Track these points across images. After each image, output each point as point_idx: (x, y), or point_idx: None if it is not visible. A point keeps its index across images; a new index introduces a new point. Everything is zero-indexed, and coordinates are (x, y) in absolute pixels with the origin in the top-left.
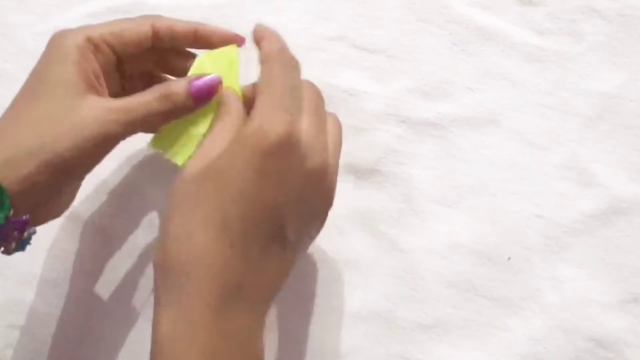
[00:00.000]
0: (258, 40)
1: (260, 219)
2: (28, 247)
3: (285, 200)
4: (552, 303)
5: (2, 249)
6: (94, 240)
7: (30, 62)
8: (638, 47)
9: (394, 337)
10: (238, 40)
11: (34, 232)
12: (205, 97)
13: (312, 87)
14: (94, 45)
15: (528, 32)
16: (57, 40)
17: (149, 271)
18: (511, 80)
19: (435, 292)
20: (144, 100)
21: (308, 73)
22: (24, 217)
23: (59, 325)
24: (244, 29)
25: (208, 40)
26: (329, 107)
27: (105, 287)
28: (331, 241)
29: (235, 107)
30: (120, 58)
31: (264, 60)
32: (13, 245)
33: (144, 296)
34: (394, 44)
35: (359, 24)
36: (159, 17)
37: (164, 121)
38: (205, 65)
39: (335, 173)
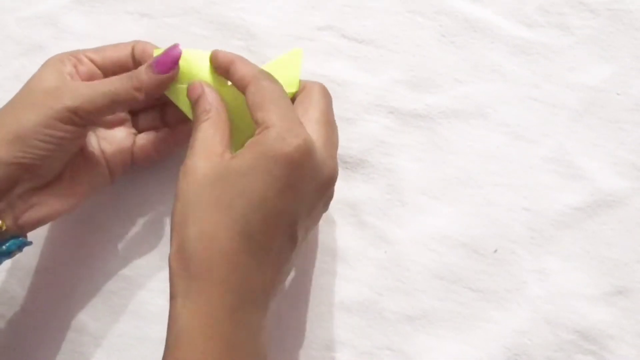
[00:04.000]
0: (227, 65)
1: (278, 224)
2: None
3: (300, 207)
4: (537, 295)
5: None
6: (79, 230)
7: (15, 48)
8: (625, 41)
9: (380, 329)
10: None
11: (29, 244)
12: (167, 67)
13: (324, 91)
14: (76, 58)
15: (517, 25)
16: (47, 60)
17: (133, 262)
18: (500, 73)
19: (421, 283)
20: (109, 79)
21: None
22: None
23: (41, 314)
24: (232, 18)
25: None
26: None
27: (88, 277)
28: (318, 232)
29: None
30: (105, 74)
31: (251, 81)
32: None
33: (128, 288)
34: (382, 35)
35: (347, 14)
36: (139, 42)
37: (134, 101)
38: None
39: None
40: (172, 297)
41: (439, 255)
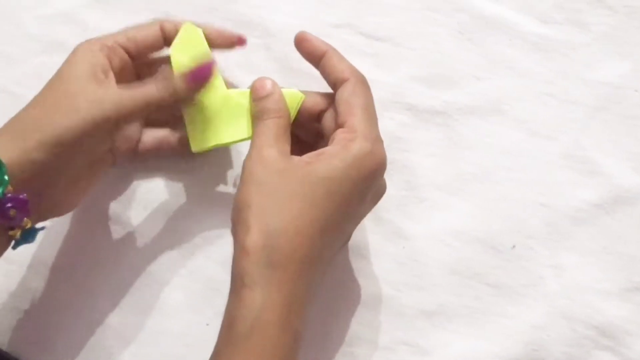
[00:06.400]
0: (319, 55)
1: (346, 226)
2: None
3: (363, 213)
4: (554, 291)
5: (13, 242)
6: (98, 226)
7: (33, 45)
8: None
9: (397, 324)
10: (238, 41)
11: (43, 228)
12: (201, 79)
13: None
14: (108, 47)
15: (534, 22)
16: (76, 47)
17: (153, 257)
18: (516, 69)
19: (438, 279)
20: (145, 87)
21: None
22: (21, 196)
23: (62, 309)
24: (249, 15)
25: (210, 41)
26: None
27: (108, 272)
28: None
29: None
30: (136, 60)
31: (347, 76)
32: (18, 234)
33: (148, 282)
34: (399, 32)
35: (364, 11)
36: (167, 20)
37: (167, 107)
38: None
39: None
40: (247, 285)
41: (456, 250)
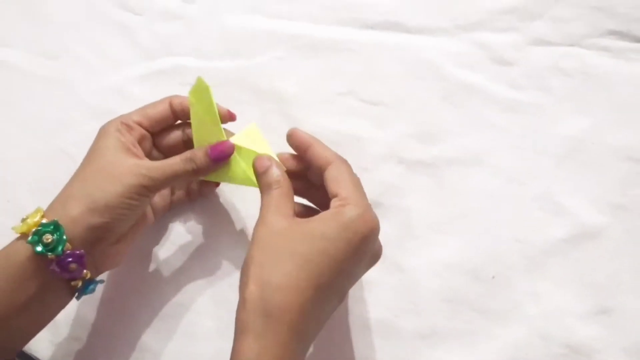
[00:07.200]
0: (305, 147)
1: (340, 283)
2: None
3: (358, 273)
4: (532, 315)
5: (77, 294)
6: (137, 264)
7: (87, 112)
8: (597, 99)
9: (396, 345)
10: (231, 116)
11: (102, 281)
12: (221, 158)
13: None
14: (127, 126)
15: (505, 87)
16: (102, 127)
17: (184, 289)
18: (492, 127)
19: (431, 305)
20: (173, 161)
21: (322, 122)
22: (78, 251)
23: (110, 336)
24: (266, 86)
25: None
26: (339, 151)
27: (147, 304)
28: None
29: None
30: (152, 133)
31: (331, 160)
32: (79, 284)
33: (180, 312)
34: (393, 97)
35: (364, 81)
36: (176, 96)
37: (190, 179)
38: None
39: None
40: (243, 331)
41: (446, 281)
